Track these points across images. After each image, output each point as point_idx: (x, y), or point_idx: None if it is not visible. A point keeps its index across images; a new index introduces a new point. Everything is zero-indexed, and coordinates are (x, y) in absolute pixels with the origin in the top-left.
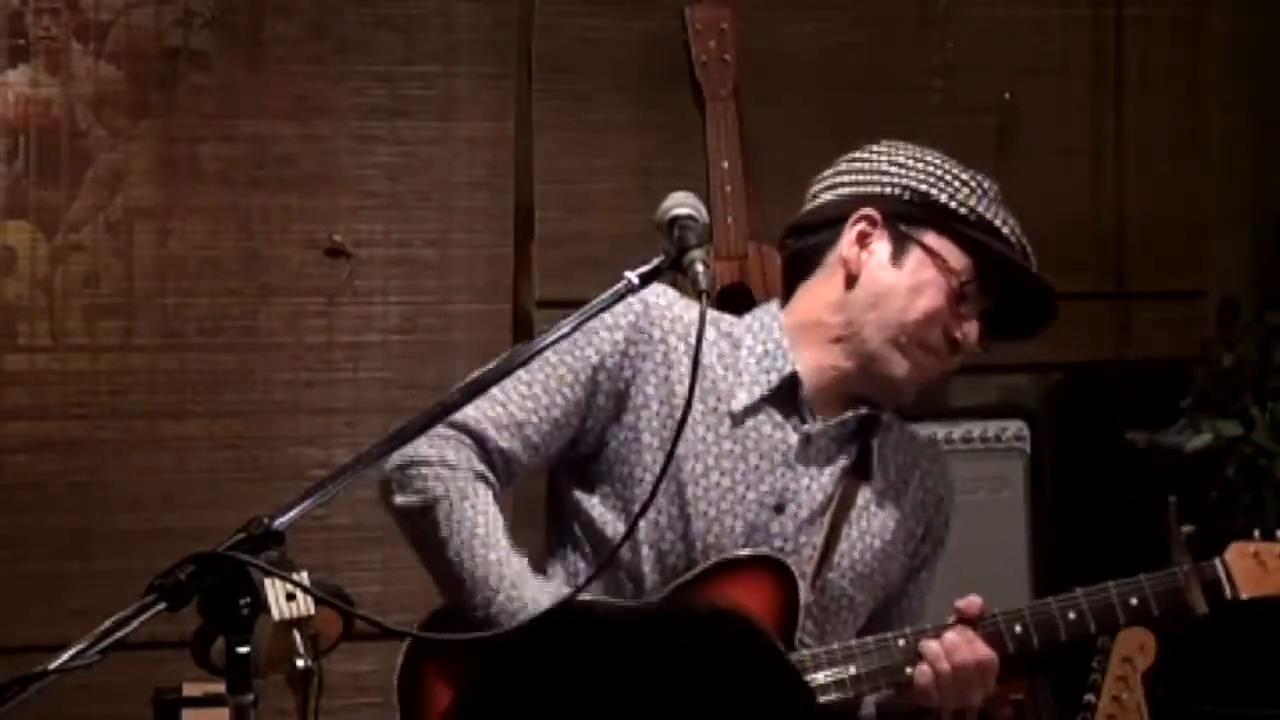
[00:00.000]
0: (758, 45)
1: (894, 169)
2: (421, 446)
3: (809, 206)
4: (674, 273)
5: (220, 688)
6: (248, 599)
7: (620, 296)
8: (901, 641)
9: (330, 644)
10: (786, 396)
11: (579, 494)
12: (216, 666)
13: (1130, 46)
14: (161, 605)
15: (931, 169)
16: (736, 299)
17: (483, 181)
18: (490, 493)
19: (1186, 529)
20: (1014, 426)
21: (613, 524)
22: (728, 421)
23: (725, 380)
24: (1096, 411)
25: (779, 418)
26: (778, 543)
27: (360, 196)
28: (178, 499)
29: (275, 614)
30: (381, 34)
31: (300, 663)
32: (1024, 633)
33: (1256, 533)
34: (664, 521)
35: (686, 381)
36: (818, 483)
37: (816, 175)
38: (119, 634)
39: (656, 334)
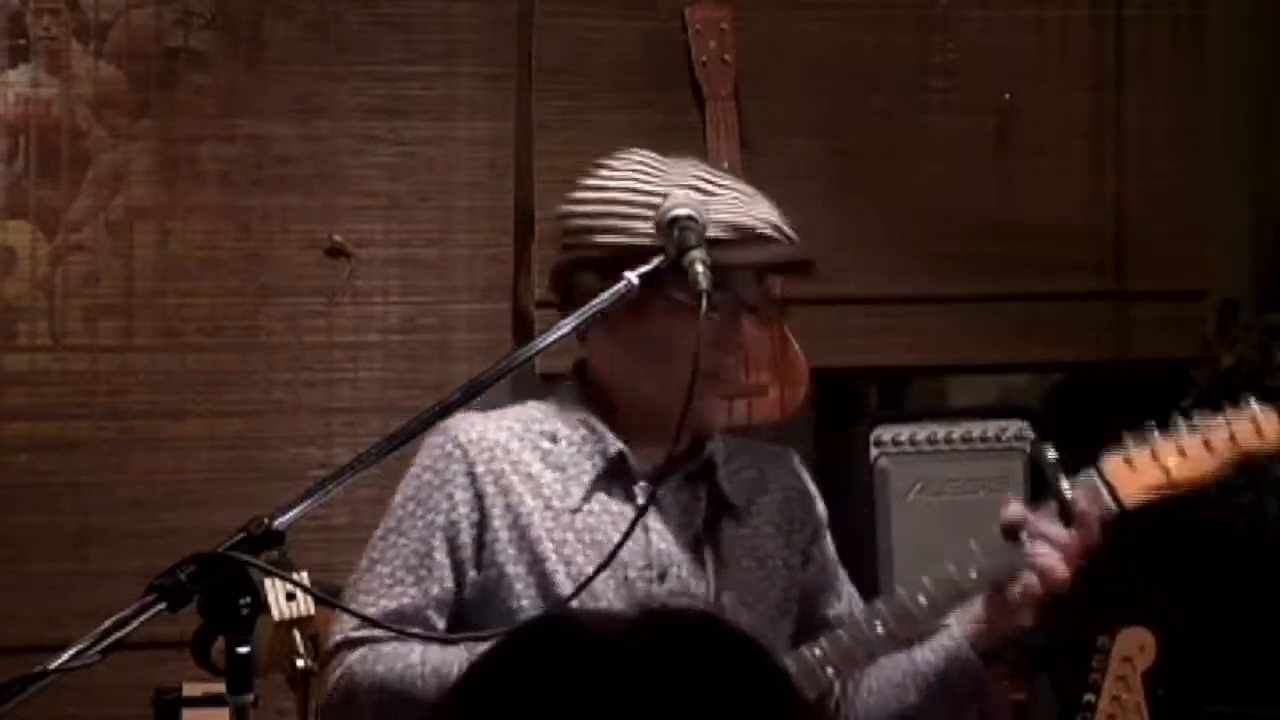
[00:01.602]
0: (758, 45)
1: (596, 225)
2: (326, 678)
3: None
4: (674, 272)
5: (220, 688)
6: (248, 599)
7: (620, 296)
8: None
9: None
10: (617, 471)
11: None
12: (216, 666)
13: (1130, 46)
14: (161, 605)
15: (628, 210)
16: None
17: (483, 181)
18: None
19: (1053, 455)
20: (1014, 426)
21: None
22: (574, 519)
23: (559, 480)
24: (1096, 411)
25: (619, 492)
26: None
27: (360, 196)
28: (178, 499)
29: (275, 614)
30: (381, 34)
31: (300, 663)
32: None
33: (1127, 438)
34: None
35: (527, 502)
36: (683, 537)
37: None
38: (119, 634)
39: (481, 469)
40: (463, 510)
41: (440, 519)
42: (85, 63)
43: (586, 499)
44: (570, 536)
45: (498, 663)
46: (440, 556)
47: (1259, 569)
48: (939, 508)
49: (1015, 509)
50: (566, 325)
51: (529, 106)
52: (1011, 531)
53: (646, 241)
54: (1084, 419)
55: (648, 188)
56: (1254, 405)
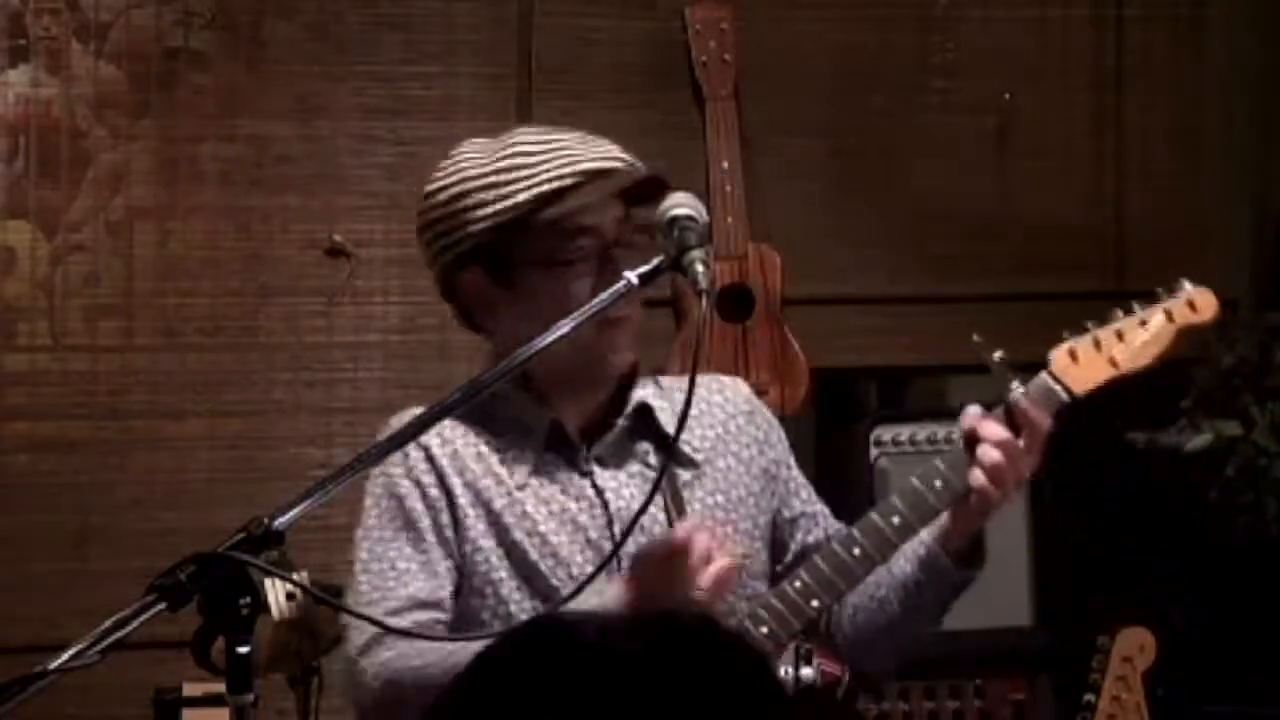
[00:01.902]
0: (758, 45)
1: (443, 226)
2: (353, 679)
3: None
4: (673, 272)
5: (220, 688)
6: (248, 599)
7: (620, 296)
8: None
9: (330, 644)
10: (556, 440)
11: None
12: (216, 666)
13: (1130, 46)
14: (161, 605)
15: (464, 203)
16: (736, 299)
17: None
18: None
19: (999, 355)
20: None
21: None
22: (527, 494)
23: (505, 460)
24: (1096, 411)
25: (564, 460)
26: None
27: (360, 196)
28: (178, 499)
29: (275, 614)
30: (381, 34)
31: (300, 663)
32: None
33: (1066, 333)
34: (527, 597)
35: (484, 479)
36: (639, 488)
37: (819, 174)
38: (119, 634)
39: (437, 451)
40: (433, 494)
41: (418, 505)
42: (85, 63)
43: (535, 473)
44: (530, 509)
45: (492, 664)
46: (431, 538)
47: (1259, 569)
48: None
49: (970, 416)
50: (566, 325)
51: (529, 106)
52: (970, 439)
53: (501, 219)
54: (1084, 419)
55: (485, 168)
56: (1187, 284)
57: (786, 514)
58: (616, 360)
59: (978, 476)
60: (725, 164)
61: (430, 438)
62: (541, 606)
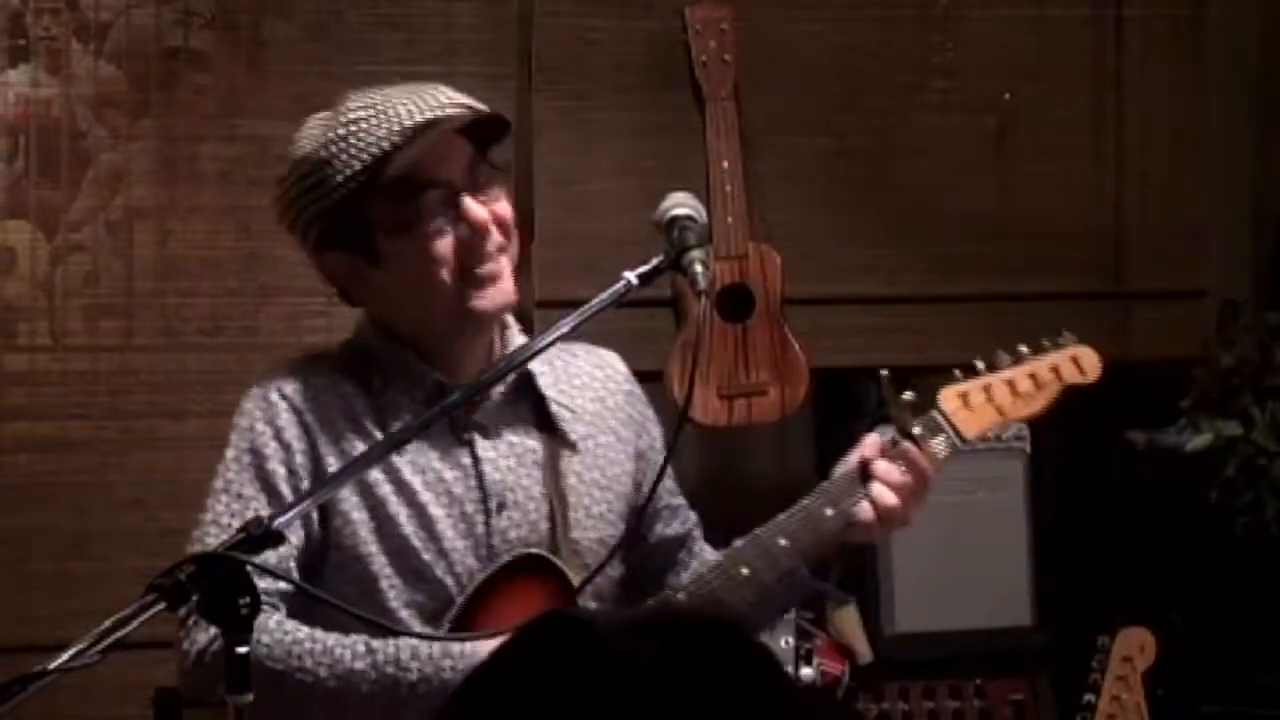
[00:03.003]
0: (758, 45)
1: (294, 205)
2: (183, 644)
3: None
4: (673, 272)
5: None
6: (247, 599)
7: (620, 296)
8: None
9: None
10: (434, 402)
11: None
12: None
13: (1130, 46)
14: (161, 605)
15: (307, 181)
16: (736, 299)
17: None
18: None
19: (908, 396)
20: (1014, 426)
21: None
22: (404, 462)
23: (382, 419)
24: (1096, 411)
25: (442, 424)
26: (513, 534)
27: None
28: (178, 499)
29: None
30: (381, 34)
31: None
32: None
33: (957, 372)
34: (406, 582)
35: (358, 447)
36: (516, 458)
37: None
38: (119, 634)
39: (310, 418)
40: (299, 460)
41: (281, 470)
42: (85, 63)
43: (417, 441)
44: (407, 476)
45: (508, 663)
46: (290, 503)
47: (1258, 569)
48: (939, 508)
49: (869, 447)
50: (566, 325)
51: (529, 106)
52: (864, 467)
53: (343, 193)
54: (1084, 419)
55: (319, 145)
56: (1071, 339)
57: (655, 503)
58: (490, 307)
59: (867, 511)
60: (725, 164)
61: (304, 401)
62: (411, 585)
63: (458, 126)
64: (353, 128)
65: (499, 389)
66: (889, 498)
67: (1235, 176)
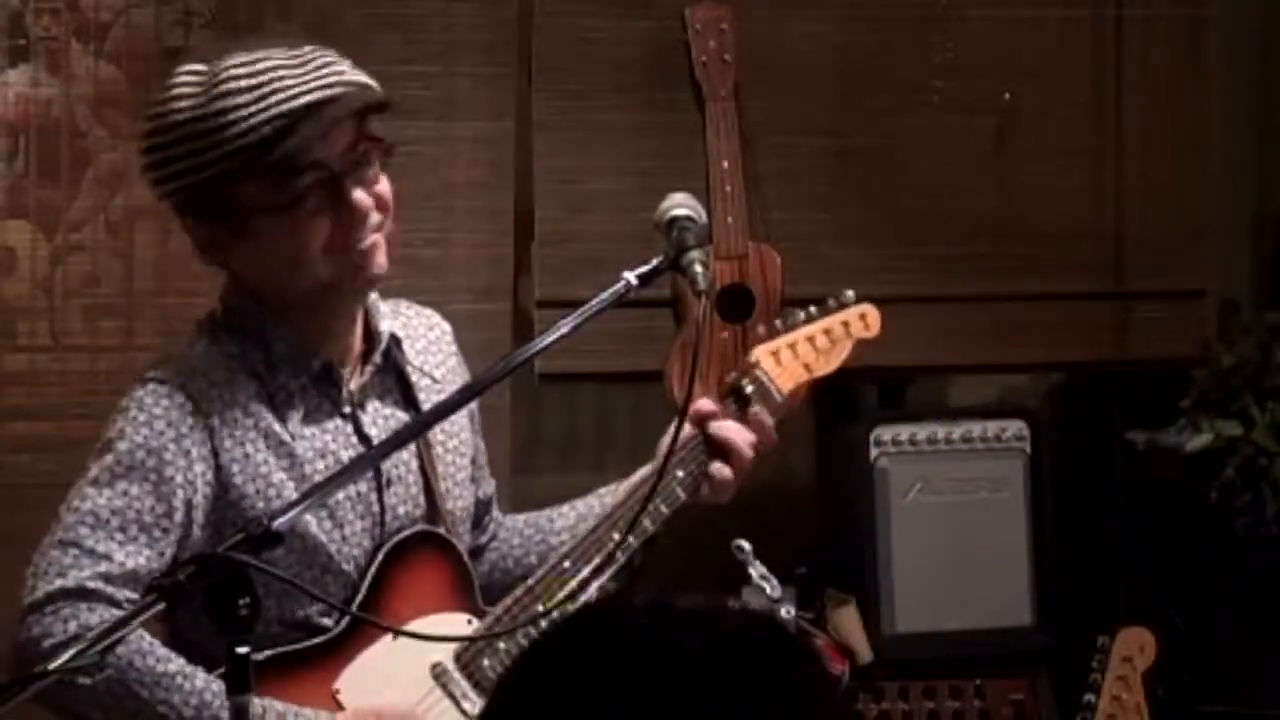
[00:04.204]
0: (758, 45)
1: (163, 170)
2: (32, 630)
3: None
4: (673, 273)
5: None
6: (247, 599)
7: (620, 296)
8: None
9: None
10: (321, 383)
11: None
12: None
13: (1130, 46)
14: (161, 605)
15: (180, 149)
16: (736, 299)
17: (483, 181)
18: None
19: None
20: (1014, 426)
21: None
22: (298, 446)
23: (274, 411)
24: (1096, 411)
25: (328, 404)
26: (401, 510)
27: None
28: None
29: None
30: (381, 34)
31: None
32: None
33: (761, 329)
34: (305, 568)
35: (259, 444)
36: (392, 432)
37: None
38: (119, 634)
39: (216, 420)
40: (198, 469)
41: (179, 477)
42: (85, 63)
43: (305, 421)
44: (307, 468)
45: (552, 654)
46: (178, 518)
47: (1259, 569)
48: (939, 508)
49: (704, 406)
50: (566, 325)
51: (529, 106)
52: (707, 436)
53: (217, 169)
54: (1084, 419)
55: (195, 111)
56: (851, 298)
57: (476, 459)
58: (376, 272)
59: (721, 469)
60: (725, 164)
61: (208, 402)
62: (318, 576)
63: (346, 113)
64: (233, 101)
65: (376, 358)
66: (742, 450)
67: (1235, 176)
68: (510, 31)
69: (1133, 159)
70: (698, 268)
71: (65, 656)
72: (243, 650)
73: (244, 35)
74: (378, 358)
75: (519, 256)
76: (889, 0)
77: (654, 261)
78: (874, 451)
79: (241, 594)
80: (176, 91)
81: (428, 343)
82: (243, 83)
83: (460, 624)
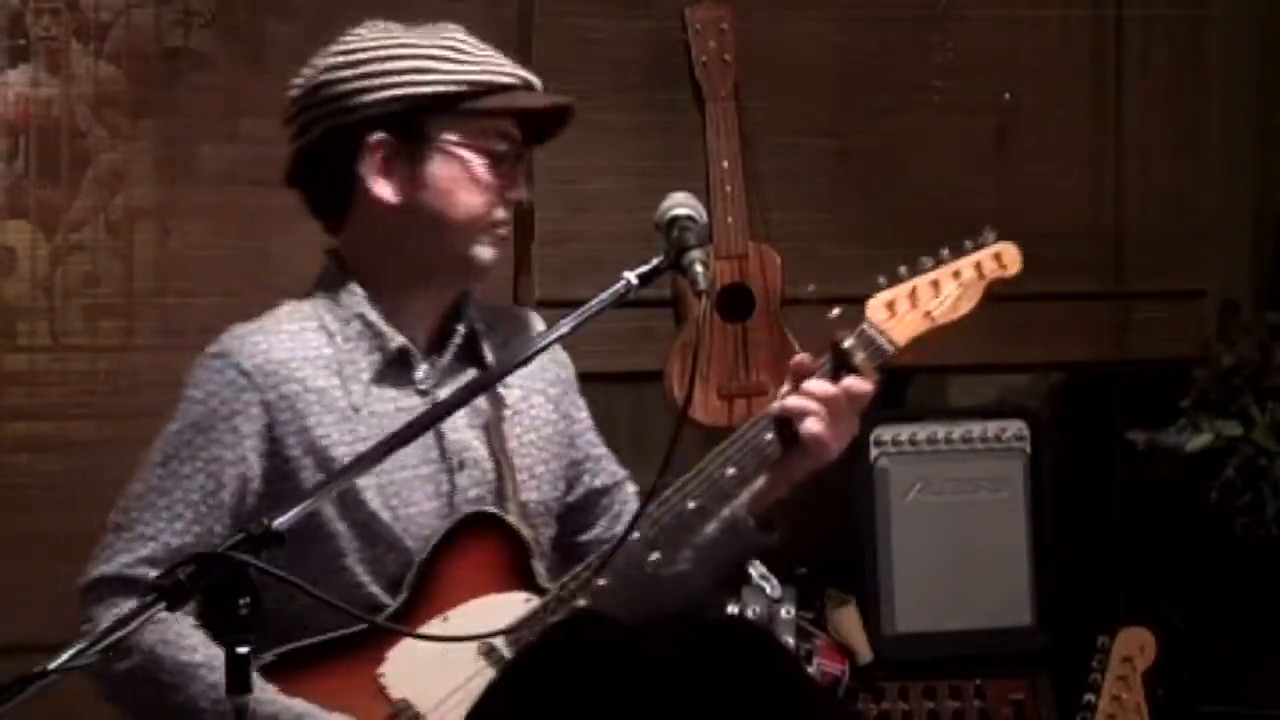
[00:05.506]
0: (758, 45)
1: (371, 84)
2: (82, 613)
3: (298, 144)
4: (673, 272)
5: None
6: (247, 599)
7: (620, 296)
8: (732, 470)
9: None
10: (396, 364)
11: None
12: None
13: (1130, 46)
14: (161, 605)
15: (401, 65)
16: (736, 299)
17: None
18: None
19: (835, 312)
20: (1014, 426)
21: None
22: (360, 422)
23: (340, 385)
24: (1096, 411)
25: (401, 381)
26: (473, 493)
27: None
28: None
29: None
30: None
31: None
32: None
33: (882, 279)
34: (366, 544)
35: (323, 420)
36: (466, 419)
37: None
38: (119, 634)
39: (272, 396)
40: (250, 444)
41: (229, 454)
42: (85, 63)
43: (367, 397)
44: (359, 446)
45: (541, 664)
46: (227, 497)
47: (1259, 569)
48: (939, 508)
49: (798, 363)
50: (566, 325)
51: None
52: (796, 376)
53: (445, 88)
54: (1084, 419)
55: (420, 46)
56: (992, 237)
57: (575, 455)
58: (485, 270)
59: (811, 426)
60: (725, 164)
61: (264, 378)
62: (381, 554)
63: (547, 105)
64: (466, 46)
65: (455, 344)
66: (823, 407)
67: (1235, 176)
68: (510, 31)
69: (1133, 159)
70: (698, 268)
71: (65, 656)
72: (243, 650)
73: (242, 35)
74: (456, 346)
75: (519, 256)
76: (889, 0)
77: (654, 261)
78: (874, 451)
79: (242, 594)
80: (386, 35)
81: (513, 344)
82: (469, 44)
83: (517, 603)
